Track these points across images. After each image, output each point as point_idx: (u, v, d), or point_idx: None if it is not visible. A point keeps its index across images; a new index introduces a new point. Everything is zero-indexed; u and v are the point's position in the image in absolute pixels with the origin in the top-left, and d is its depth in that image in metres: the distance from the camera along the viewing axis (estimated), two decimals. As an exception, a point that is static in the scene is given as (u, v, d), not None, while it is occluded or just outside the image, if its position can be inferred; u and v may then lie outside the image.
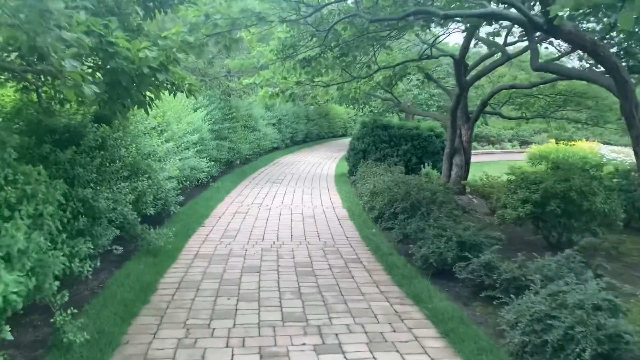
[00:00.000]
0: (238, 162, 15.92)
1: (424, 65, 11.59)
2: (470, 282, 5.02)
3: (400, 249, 6.70)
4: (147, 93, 5.16)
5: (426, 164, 13.02)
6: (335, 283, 5.33)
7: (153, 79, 4.18)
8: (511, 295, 4.40)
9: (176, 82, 5.26)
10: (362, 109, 25.85)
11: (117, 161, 5.85)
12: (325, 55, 6.43)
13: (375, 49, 6.99)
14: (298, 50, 6.41)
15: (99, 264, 4.99)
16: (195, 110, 11.11)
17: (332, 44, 6.20)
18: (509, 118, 12.52)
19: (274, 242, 7.01)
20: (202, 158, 10.52)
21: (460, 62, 9.26)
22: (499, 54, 10.48)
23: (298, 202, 10.30)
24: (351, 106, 27.12)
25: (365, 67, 7.77)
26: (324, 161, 19.03)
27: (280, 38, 6.23)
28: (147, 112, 5.33)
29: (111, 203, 5.22)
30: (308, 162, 18.55)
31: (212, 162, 12.15)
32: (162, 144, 7.42)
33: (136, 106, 5.18)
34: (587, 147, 21.04)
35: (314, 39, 6.30)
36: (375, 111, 23.53)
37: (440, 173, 13.36)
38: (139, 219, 6.19)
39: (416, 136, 14.07)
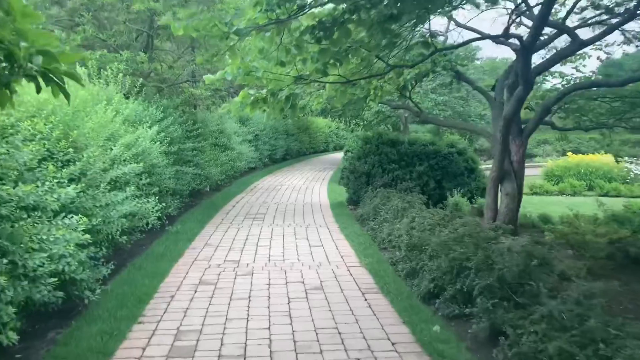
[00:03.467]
0: (207, 189, 12.63)
1: (458, 60, 8.62)
2: None
3: (510, 382, 3.55)
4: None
5: (455, 192, 9.98)
6: None
7: None
8: None
9: (16, 55, 2.04)
10: (349, 122, 22.77)
11: None
12: (360, 16, 3.32)
13: (457, 5, 3.90)
14: (307, 4, 3.26)
15: None
16: (140, 125, 7.81)
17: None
18: (562, 129, 9.62)
19: (266, 368, 3.78)
20: (151, 194, 7.21)
21: (529, 50, 6.28)
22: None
23: (292, 256, 7.08)
24: (337, 119, 24.16)
25: (421, 45, 4.68)
26: (311, 184, 15.84)
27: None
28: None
29: None
30: (292, 185, 15.34)
31: (169, 197, 8.86)
32: (59, 186, 4.08)
33: None
34: (610, 162, 18.44)
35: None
36: (364, 123, 20.55)
37: (470, 202, 10.37)
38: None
39: (433, 154, 11.09)
